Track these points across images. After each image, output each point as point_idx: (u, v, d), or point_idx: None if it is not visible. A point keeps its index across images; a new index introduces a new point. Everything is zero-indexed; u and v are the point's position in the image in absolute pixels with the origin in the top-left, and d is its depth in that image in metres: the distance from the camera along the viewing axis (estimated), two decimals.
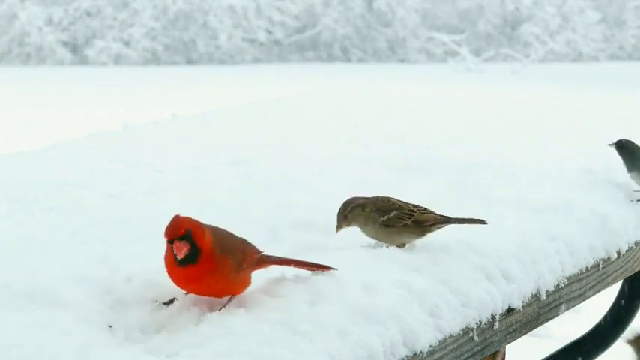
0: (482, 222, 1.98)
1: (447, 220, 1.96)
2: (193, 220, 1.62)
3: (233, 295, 1.64)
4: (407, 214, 1.93)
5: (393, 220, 1.92)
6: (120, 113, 12.31)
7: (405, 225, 1.92)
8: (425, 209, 1.96)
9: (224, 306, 1.61)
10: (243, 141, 3.10)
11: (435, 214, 1.96)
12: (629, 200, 2.49)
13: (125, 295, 1.66)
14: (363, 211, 1.93)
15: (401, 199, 1.98)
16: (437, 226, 1.95)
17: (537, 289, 2.03)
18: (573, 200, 2.37)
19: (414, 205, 1.96)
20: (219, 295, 1.63)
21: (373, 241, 1.95)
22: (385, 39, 27.65)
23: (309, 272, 1.75)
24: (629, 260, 2.41)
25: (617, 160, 2.54)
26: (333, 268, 1.76)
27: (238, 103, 4.09)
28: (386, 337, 1.62)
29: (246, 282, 1.66)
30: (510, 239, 2.08)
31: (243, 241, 1.68)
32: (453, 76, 21.64)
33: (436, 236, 1.97)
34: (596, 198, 2.43)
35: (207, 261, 1.60)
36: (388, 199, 1.95)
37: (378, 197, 1.97)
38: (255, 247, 1.70)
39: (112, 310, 1.61)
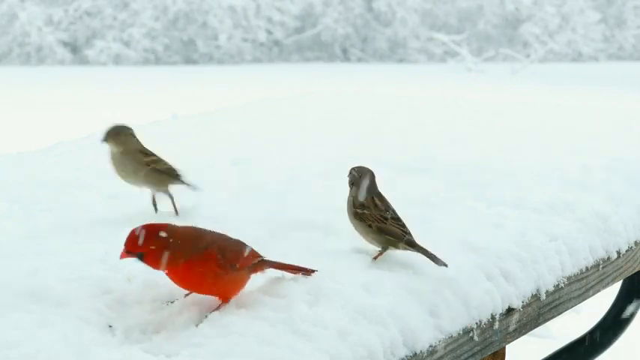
0: (444, 264, 1.81)
1: (410, 243, 1.84)
2: (154, 239, 1.59)
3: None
4: (378, 218, 1.86)
5: (363, 216, 1.87)
6: (120, 113, 12.32)
7: (370, 226, 1.86)
8: (401, 225, 1.86)
9: (217, 309, 1.60)
10: (243, 141, 3.10)
11: (404, 232, 1.85)
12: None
13: (125, 295, 1.65)
14: (350, 189, 1.91)
15: (390, 206, 1.91)
16: (402, 244, 1.84)
17: (537, 289, 2.02)
18: (573, 200, 2.37)
19: (394, 219, 1.87)
20: (213, 293, 1.62)
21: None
22: (385, 39, 27.64)
23: (310, 272, 1.75)
24: (629, 260, 2.41)
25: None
26: (315, 270, 1.74)
27: (238, 103, 4.09)
28: (386, 337, 1.62)
29: (239, 283, 1.64)
30: (510, 239, 2.08)
31: (238, 242, 1.67)
32: (453, 76, 21.63)
33: (436, 235, 1.97)
34: (596, 198, 2.43)
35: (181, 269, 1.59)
36: (372, 199, 1.89)
37: (372, 192, 1.91)
38: (255, 251, 1.69)
39: (112, 310, 1.61)
